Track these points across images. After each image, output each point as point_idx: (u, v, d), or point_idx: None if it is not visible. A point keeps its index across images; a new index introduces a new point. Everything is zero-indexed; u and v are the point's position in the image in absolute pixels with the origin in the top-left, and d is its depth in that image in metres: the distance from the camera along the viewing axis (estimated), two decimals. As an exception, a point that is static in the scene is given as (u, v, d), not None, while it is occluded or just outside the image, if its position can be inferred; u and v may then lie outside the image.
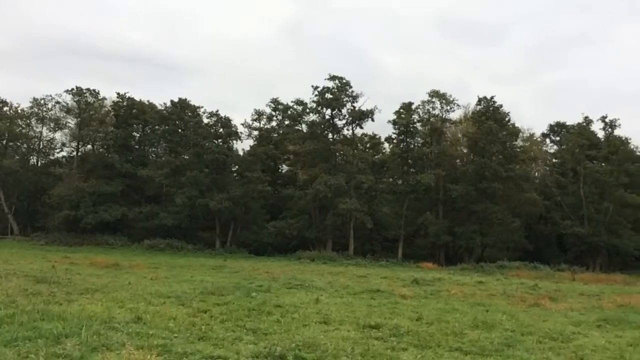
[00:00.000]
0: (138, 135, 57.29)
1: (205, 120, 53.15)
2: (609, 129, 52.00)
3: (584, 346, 10.05)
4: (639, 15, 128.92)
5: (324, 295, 16.55)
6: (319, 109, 50.44)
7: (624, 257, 49.77)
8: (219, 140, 51.92)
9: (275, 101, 56.96)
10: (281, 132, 56.88)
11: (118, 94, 55.12)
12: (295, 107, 52.86)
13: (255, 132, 57.05)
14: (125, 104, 55.01)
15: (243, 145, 57.70)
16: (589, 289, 25.31)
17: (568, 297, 20.04)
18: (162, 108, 55.33)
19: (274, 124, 58.51)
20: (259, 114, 57.53)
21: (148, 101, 57.42)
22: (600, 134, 53.22)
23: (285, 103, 55.91)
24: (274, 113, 57.60)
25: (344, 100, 49.76)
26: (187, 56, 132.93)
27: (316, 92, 49.84)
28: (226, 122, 52.03)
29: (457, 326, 11.64)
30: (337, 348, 8.75)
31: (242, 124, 56.37)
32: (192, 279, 20.59)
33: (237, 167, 53.90)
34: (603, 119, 51.88)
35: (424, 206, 51.27)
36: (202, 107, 54.11)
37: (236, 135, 53.26)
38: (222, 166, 51.20)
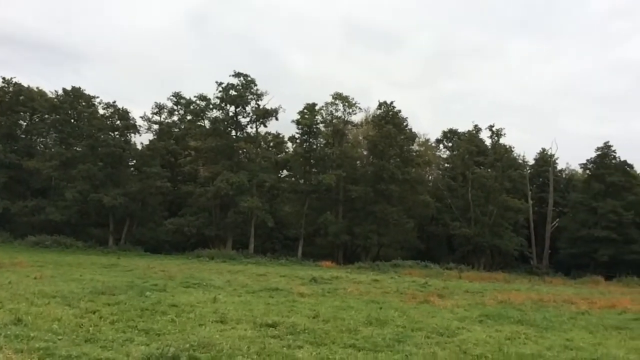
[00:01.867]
0: (25, 123, 53.29)
1: (101, 111, 50.54)
2: (495, 138, 55.85)
3: (467, 340, 10.69)
4: (527, 32, 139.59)
5: (222, 294, 16.35)
6: (222, 105, 49.70)
7: (505, 256, 53.65)
8: (116, 133, 49.62)
9: (177, 95, 55.40)
10: (183, 127, 55.39)
11: (3, 78, 51.03)
12: (198, 102, 51.65)
13: (155, 126, 55.06)
14: (11, 89, 51.00)
15: (142, 139, 55.49)
16: (473, 286, 27.04)
17: (455, 294, 21.27)
18: (54, 96, 51.90)
19: (175, 118, 56.89)
20: (159, 108, 55.58)
21: (37, 88, 53.72)
22: (488, 142, 57.06)
23: (187, 97, 54.63)
24: (175, 107, 55.99)
25: (249, 97, 49.41)
26: (84, 43, 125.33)
27: (220, 88, 49.11)
28: (124, 114, 49.84)
29: (352, 323, 11.96)
30: (232, 347, 8.68)
31: (142, 117, 54.22)
32: (81, 278, 19.51)
33: (134, 161, 51.83)
34: (490, 127, 55.67)
35: (325, 206, 52.15)
36: (97, 97, 51.36)
37: (134, 129, 51.15)
38: (118, 160, 48.98)
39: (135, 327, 10.11)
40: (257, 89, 49.64)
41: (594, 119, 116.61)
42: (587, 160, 57.38)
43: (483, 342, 10.52)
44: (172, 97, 55.40)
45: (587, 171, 58.27)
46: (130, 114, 50.27)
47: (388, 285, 24.36)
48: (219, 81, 49.07)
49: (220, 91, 49.11)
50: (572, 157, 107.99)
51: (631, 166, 55.25)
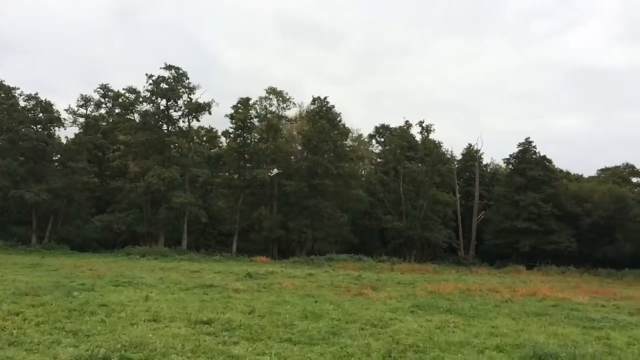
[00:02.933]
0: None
1: (22, 104, 48.06)
2: (425, 133, 57.54)
3: (400, 330, 11.00)
4: (454, 31, 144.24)
5: (154, 292, 15.98)
6: (153, 98, 48.35)
7: (435, 248, 55.48)
8: (38, 126, 47.36)
9: (104, 87, 53.36)
10: (111, 120, 53.41)
11: None
12: (127, 95, 49.90)
13: (82, 120, 52.74)
14: None
15: (66, 133, 53.04)
16: (405, 278, 27.79)
17: (387, 286, 21.79)
18: (-31, 87, 48.73)
19: (102, 111, 54.76)
20: (85, 100, 53.24)
21: (-49, 78, 50.06)
22: (418, 137, 58.62)
23: (116, 90, 52.68)
24: (103, 100, 53.89)
25: (180, 91, 48.35)
26: (2, 32, 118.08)
27: (151, 81, 47.80)
28: (47, 107, 47.61)
29: (288, 317, 12.02)
30: (166, 346, 8.53)
31: (66, 110, 51.79)
32: (2, 279, 18.49)
33: (59, 156, 49.58)
34: (420, 123, 57.29)
35: (259, 201, 51.97)
36: (18, 88, 48.73)
37: (58, 122, 49.00)
38: (41, 154, 46.79)
39: (63, 329, 9.71)
40: (189, 82, 48.76)
41: (516, 115, 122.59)
42: (510, 155, 60.32)
43: (414, 332, 10.86)
44: (99, 90, 53.38)
45: (510, 166, 61.15)
46: (53, 107, 48.37)
47: (323, 279, 24.62)
48: (149, 73, 47.89)
49: (150, 84, 47.85)
50: (496, 152, 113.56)
51: (550, 161, 58.56)
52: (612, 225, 55.36)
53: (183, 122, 50.32)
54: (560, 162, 76.00)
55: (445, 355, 8.78)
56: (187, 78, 48.64)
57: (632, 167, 70.06)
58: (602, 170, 71.41)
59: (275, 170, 51.64)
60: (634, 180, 70.42)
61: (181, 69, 48.47)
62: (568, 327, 12.49)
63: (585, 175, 70.45)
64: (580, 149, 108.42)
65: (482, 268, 46.17)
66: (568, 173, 67.87)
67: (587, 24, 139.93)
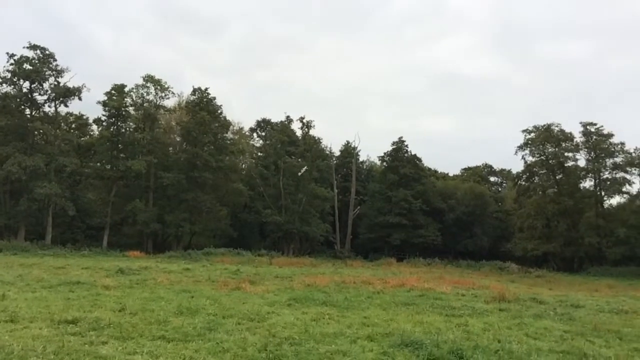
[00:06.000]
0: None
1: None
2: (306, 129, 58.60)
3: (277, 324, 11.12)
4: (331, 29, 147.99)
5: (12, 291, 14.73)
6: (14, 80, 44.28)
7: (312, 242, 56.78)
8: None
9: (-44, 64, 47.92)
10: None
11: None
12: (-17, 74, 45.24)
13: None
14: None
15: None
16: (283, 271, 28.12)
17: (265, 280, 21.92)
18: None
19: (-47, 90, 49.03)
20: None
21: None
22: (299, 133, 59.59)
23: (-30, 68, 47.46)
24: (-46, 78, 48.27)
25: (46, 73, 44.79)
26: None
27: (12, 61, 43.79)
28: None
29: (162, 314, 11.65)
30: (25, 348, 7.91)
31: None
32: None
33: None
34: (301, 119, 58.23)
35: (134, 193, 49.71)
36: None
37: None
38: None
39: None
40: (56, 65, 45.47)
41: (390, 115, 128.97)
42: (385, 153, 63.47)
43: (291, 325, 11.03)
44: (-51, 66, 47.78)
45: (384, 163, 64.22)
46: None
47: (200, 273, 24.20)
48: (10, 52, 43.89)
49: (12, 64, 43.87)
50: (372, 150, 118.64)
51: (420, 160, 62.42)
52: (472, 220, 60.38)
53: (49, 107, 46.80)
54: (429, 161, 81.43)
55: (320, 347, 9.01)
56: (55, 60, 45.36)
57: (490, 167, 77.05)
58: (464, 169, 77.67)
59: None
60: (492, 179, 77.48)
61: (48, 50, 45.02)
62: (432, 315, 13.35)
63: (451, 174, 76.14)
64: (446, 149, 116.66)
65: (357, 261, 47.94)
66: (435, 171, 72.82)
67: (454, 35, 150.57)
